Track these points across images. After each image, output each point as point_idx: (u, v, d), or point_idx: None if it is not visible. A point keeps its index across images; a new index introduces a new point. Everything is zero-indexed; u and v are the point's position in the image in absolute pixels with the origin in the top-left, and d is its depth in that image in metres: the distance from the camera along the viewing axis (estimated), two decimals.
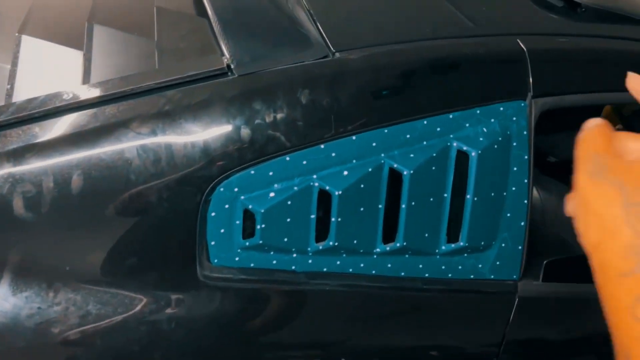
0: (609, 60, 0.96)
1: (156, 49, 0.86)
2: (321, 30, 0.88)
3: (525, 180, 0.89)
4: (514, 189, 0.89)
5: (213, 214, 0.78)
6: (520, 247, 0.92)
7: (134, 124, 0.76)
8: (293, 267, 0.83)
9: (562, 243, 1.08)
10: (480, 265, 0.91)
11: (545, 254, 0.98)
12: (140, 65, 0.84)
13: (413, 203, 0.83)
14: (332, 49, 0.85)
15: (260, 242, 0.80)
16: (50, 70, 0.87)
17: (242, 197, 0.78)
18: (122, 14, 0.97)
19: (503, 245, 0.91)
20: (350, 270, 0.86)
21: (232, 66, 0.81)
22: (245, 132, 0.78)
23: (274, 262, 0.83)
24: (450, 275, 0.90)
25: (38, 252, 0.75)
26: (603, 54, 0.96)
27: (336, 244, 0.82)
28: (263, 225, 0.79)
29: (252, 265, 0.82)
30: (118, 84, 0.80)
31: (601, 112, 1.33)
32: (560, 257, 0.98)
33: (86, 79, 0.83)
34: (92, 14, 0.93)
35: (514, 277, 0.93)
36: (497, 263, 0.92)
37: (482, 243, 0.89)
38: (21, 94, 0.83)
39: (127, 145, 0.75)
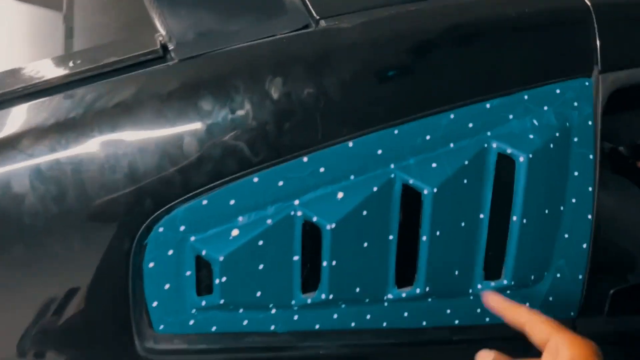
0: None
1: (63, 27, 0.60)
2: None
3: (590, 189, 0.65)
4: (574, 201, 0.64)
5: (151, 264, 0.54)
6: (580, 277, 0.68)
7: (25, 141, 0.51)
8: (272, 327, 0.60)
9: (632, 263, 0.84)
10: (527, 304, 0.67)
11: (607, 276, 0.75)
12: (42, 52, 0.59)
13: (438, 232, 0.59)
14: (314, 15, 0.59)
15: (222, 301, 0.56)
16: None
17: (192, 239, 0.54)
18: None
19: (559, 275, 0.67)
20: (353, 325, 0.62)
21: (170, 47, 0.56)
22: (191, 144, 0.53)
23: (245, 322, 0.59)
24: (487, 320, 0.66)
25: None
26: None
27: (330, 296, 0.58)
28: (224, 279, 0.55)
29: (214, 329, 0.58)
30: (10, 81, 0.55)
31: None
32: (628, 286, 0.74)
33: None
34: None
35: (572, 314, 0.70)
36: (550, 299, 0.68)
37: (532, 277, 0.65)
38: None
39: (16, 175, 0.50)
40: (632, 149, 0.86)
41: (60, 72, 0.55)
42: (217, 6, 0.60)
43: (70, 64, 0.55)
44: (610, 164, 0.87)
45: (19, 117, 0.53)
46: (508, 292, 0.65)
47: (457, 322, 0.66)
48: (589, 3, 0.62)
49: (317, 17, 0.59)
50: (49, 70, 0.55)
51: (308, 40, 0.58)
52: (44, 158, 0.51)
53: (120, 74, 0.55)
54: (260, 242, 0.55)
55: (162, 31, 0.57)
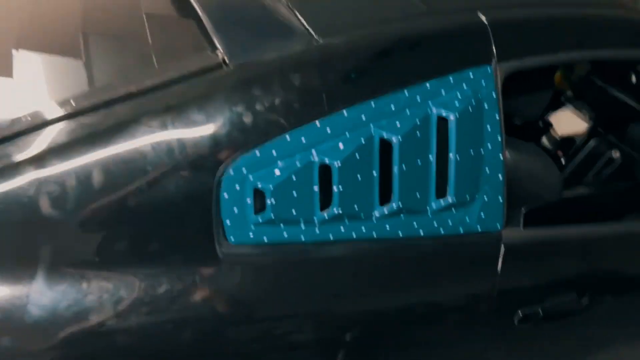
0: (559, 25, 1.07)
1: (152, 52, 0.92)
2: (301, 19, 0.96)
3: (499, 138, 0.99)
4: (489, 146, 0.99)
5: (225, 195, 0.85)
6: (500, 199, 1.02)
7: (145, 119, 0.82)
8: (302, 238, 0.91)
9: (534, 193, 1.19)
10: (467, 219, 1.00)
11: (522, 203, 1.09)
12: (141, 68, 0.90)
13: (403, 166, 0.92)
14: (315, 36, 0.93)
15: (272, 216, 0.87)
16: (53, 80, 0.92)
17: (251, 177, 0.86)
18: (113, 22, 1.03)
19: (485, 198, 1.01)
20: (354, 235, 0.94)
21: (227, 59, 0.88)
22: (247, 117, 0.85)
23: (285, 234, 0.90)
24: (442, 231, 0.99)
25: (68, 247, 0.80)
26: (553, 20, 1.07)
27: (339, 210, 0.90)
28: (273, 200, 0.86)
29: (265, 239, 0.89)
30: (124, 85, 0.85)
31: (549, 70, 1.45)
32: (535, 207, 1.08)
33: (91, 84, 0.88)
34: (85, 24, 0.98)
35: (498, 227, 1.03)
36: (482, 215, 1.01)
37: (467, 197, 0.99)
38: (26, 104, 0.87)
39: (141, 140, 0.81)
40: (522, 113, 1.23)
41: (160, 78, 0.86)
42: (253, 32, 0.93)
43: (165, 73, 0.87)
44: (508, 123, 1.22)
45: (140, 106, 0.83)
46: (453, 209, 0.99)
47: (422, 233, 0.98)
48: (484, 18, 0.98)
49: (317, 37, 0.92)
50: (152, 77, 0.86)
51: (314, 51, 0.91)
52: (158, 128, 0.82)
53: (198, 77, 0.86)
54: (293, 177, 0.87)
55: (220, 49, 0.89)
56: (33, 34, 1.00)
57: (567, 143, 1.99)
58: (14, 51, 0.94)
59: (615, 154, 1.87)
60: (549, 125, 2.03)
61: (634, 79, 1.87)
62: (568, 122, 2.04)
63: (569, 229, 1.13)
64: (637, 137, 1.85)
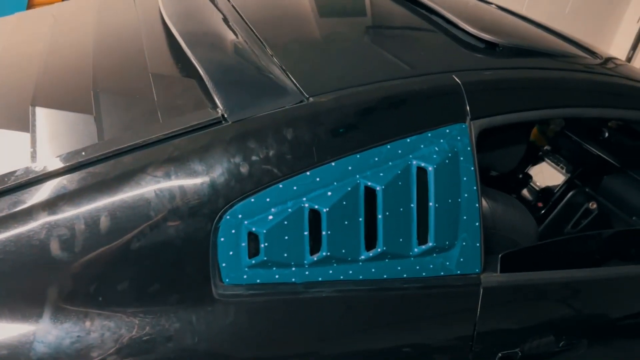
0: (527, 86, 1.19)
1: (158, 107, 1.01)
2: (293, 79, 1.06)
3: (474, 188, 1.08)
4: (466, 195, 1.07)
5: (222, 239, 0.92)
6: (477, 244, 1.10)
7: (150, 169, 0.90)
8: (293, 279, 0.97)
9: (511, 240, 1.27)
10: (447, 263, 1.08)
11: (499, 249, 1.16)
12: (147, 122, 0.98)
13: (387, 213, 1.00)
14: (305, 95, 1.02)
15: (265, 258, 0.94)
16: (65, 133, 1.00)
17: (246, 222, 0.93)
18: (121, 80, 1.12)
19: (464, 243, 1.08)
20: (342, 277, 1.00)
21: (226, 115, 0.97)
22: (243, 167, 0.93)
23: (277, 276, 0.96)
24: (424, 274, 1.06)
25: (74, 287, 0.86)
26: (521, 81, 1.19)
27: (328, 253, 0.97)
28: (266, 244, 0.93)
29: (258, 281, 0.95)
30: (131, 138, 0.93)
31: (523, 127, 1.57)
32: (511, 252, 1.16)
33: (100, 137, 0.96)
34: (95, 82, 1.08)
35: (477, 270, 1.10)
36: (461, 260, 1.09)
37: (447, 243, 1.06)
38: (41, 155, 0.95)
39: (146, 188, 0.89)
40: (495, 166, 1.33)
41: (164, 131, 0.94)
42: (250, 91, 1.02)
43: (169, 126, 0.95)
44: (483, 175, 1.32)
45: (145, 157, 0.91)
46: (434, 253, 1.06)
47: (405, 275, 1.05)
48: (459, 81, 1.09)
49: (307, 96, 1.02)
50: (156, 131, 0.95)
51: (304, 108, 1.00)
52: (161, 177, 0.89)
53: (199, 131, 0.95)
54: (285, 222, 0.94)
55: (220, 106, 0.98)
56: (47, 90, 1.09)
57: (546, 195, 2.10)
58: (30, 107, 1.03)
59: (592, 206, 1.97)
60: (528, 178, 2.14)
61: (606, 134, 2.00)
62: (546, 175, 2.15)
63: (546, 274, 1.19)
64: (612, 189, 1.96)
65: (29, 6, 2.87)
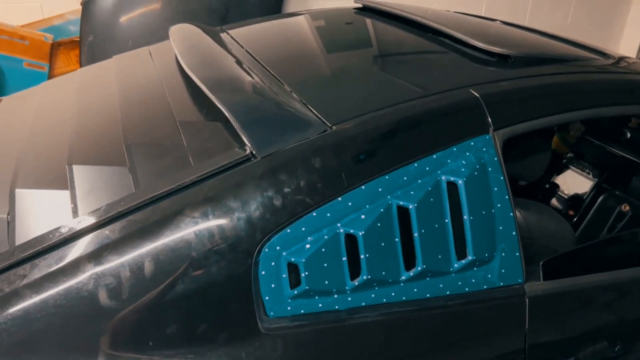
0: (544, 92, 1.20)
1: (188, 153, 1.04)
2: (314, 111, 1.09)
3: (506, 197, 1.08)
4: (499, 205, 1.07)
5: (263, 272, 0.93)
6: (517, 254, 1.09)
7: (188, 210, 0.92)
8: (336, 307, 0.97)
9: (549, 248, 1.25)
10: (489, 276, 1.07)
11: (539, 258, 1.15)
12: (179, 168, 1.01)
13: (422, 231, 1.00)
14: (328, 124, 1.05)
15: (307, 287, 0.94)
16: (102, 187, 1.03)
17: (284, 253, 0.94)
18: (150, 130, 1.17)
19: (503, 254, 1.07)
20: (384, 300, 1.00)
21: (254, 152, 0.99)
22: (276, 200, 0.95)
23: (320, 305, 0.97)
24: (467, 289, 1.05)
25: (124, 333, 0.87)
26: (538, 88, 1.20)
27: (368, 277, 0.97)
28: (306, 273, 0.94)
29: (302, 311, 0.96)
30: (166, 184, 0.96)
31: (544, 132, 1.57)
32: (552, 258, 1.14)
33: (136, 187, 0.99)
34: (125, 136, 1.12)
35: (519, 280, 1.09)
36: (503, 271, 1.07)
37: (486, 255, 1.05)
38: (84, 210, 0.98)
39: (185, 229, 0.91)
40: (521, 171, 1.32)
41: (197, 174, 0.97)
42: (274, 127, 1.05)
43: (202, 169, 0.98)
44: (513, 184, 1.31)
45: (182, 199, 0.93)
46: (474, 267, 1.05)
47: (448, 292, 1.04)
48: (477, 94, 1.10)
49: (330, 125, 1.04)
50: (190, 174, 0.97)
51: (329, 137, 1.02)
52: (199, 217, 0.92)
53: (230, 170, 0.97)
54: (323, 250, 0.95)
55: (248, 144, 1.01)
56: (81, 149, 1.13)
57: (576, 202, 2.07)
58: (67, 166, 1.07)
59: (625, 208, 1.94)
60: (555, 187, 2.12)
61: (628, 134, 1.98)
62: (573, 182, 2.13)
63: (591, 277, 1.17)
64: None
65: (50, 77, 3.00)
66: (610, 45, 4.48)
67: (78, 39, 3.00)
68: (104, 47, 3.00)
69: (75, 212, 0.97)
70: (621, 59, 1.48)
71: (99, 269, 0.87)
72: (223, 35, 1.67)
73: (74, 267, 0.87)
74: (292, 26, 1.79)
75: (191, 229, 0.91)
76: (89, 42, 3.01)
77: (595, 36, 4.39)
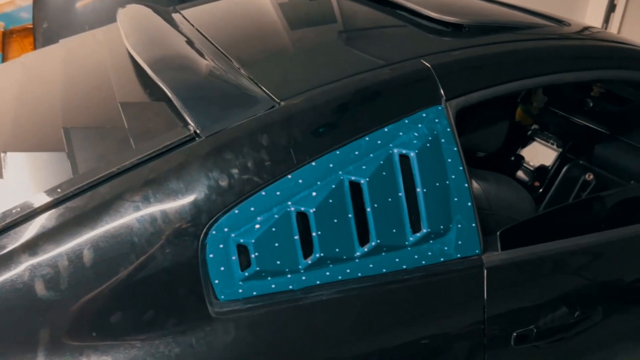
0: (497, 60, 1.18)
1: (129, 135, 1.00)
2: (262, 87, 1.05)
3: (461, 168, 1.06)
4: (453, 176, 1.05)
5: (211, 255, 0.90)
6: (474, 225, 1.07)
7: (127, 195, 0.88)
8: (290, 287, 0.95)
9: (509, 219, 1.25)
10: (446, 248, 1.05)
11: (498, 229, 1.14)
12: (119, 151, 0.97)
13: (375, 205, 0.98)
14: (276, 100, 1.01)
15: (258, 269, 0.91)
16: (39, 174, 0.99)
17: (233, 235, 0.91)
18: (90, 113, 1.11)
19: (459, 225, 1.06)
20: (340, 277, 0.98)
21: (198, 131, 0.95)
22: (222, 180, 0.91)
23: (273, 285, 0.94)
24: (424, 262, 1.04)
25: (65, 324, 0.83)
26: (492, 57, 1.18)
27: (322, 254, 0.94)
28: (257, 254, 0.91)
29: (254, 293, 0.93)
30: (105, 168, 0.92)
31: (503, 103, 1.56)
32: (510, 227, 1.13)
33: (75, 172, 0.95)
34: (64, 119, 1.07)
35: (477, 251, 1.08)
36: (459, 242, 1.06)
37: (442, 227, 1.04)
38: (17, 198, 0.93)
39: (126, 214, 0.87)
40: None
41: (137, 156, 0.93)
42: (219, 104, 1.01)
43: (142, 151, 0.93)
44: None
45: (121, 184, 0.89)
46: (430, 240, 1.04)
47: (404, 266, 1.02)
48: (427, 64, 1.08)
49: (278, 100, 1.01)
50: (130, 157, 0.93)
51: (277, 113, 0.99)
52: (140, 201, 0.88)
53: (175, 150, 0.93)
54: (273, 229, 0.92)
55: (191, 123, 0.97)
56: (18, 136, 1.08)
57: (542, 173, 2.08)
58: (1, 154, 1.01)
59: (589, 177, 1.95)
60: (521, 159, 2.12)
61: (590, 104, 1.99)
62: (538, 153, 2.14)
63: (549, 245, 1.16)
64: (605, 157, 1.95)
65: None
66: (579, 11, 4.50)
67: (31, 26, 2.88)
68: (59, 33, 2.88)
69: (9, 202, 0.92)
70: (585, 28, 1.47)
71: (34, 259, 0.83)
72: (175, 15, 1.61)
73: (7, 259, 0.82)
74: (248, 4, 1.74)
75: (132, 214, 0.87)
76: (44, 29, 2.89)
77: (563, 4, 4.39)
